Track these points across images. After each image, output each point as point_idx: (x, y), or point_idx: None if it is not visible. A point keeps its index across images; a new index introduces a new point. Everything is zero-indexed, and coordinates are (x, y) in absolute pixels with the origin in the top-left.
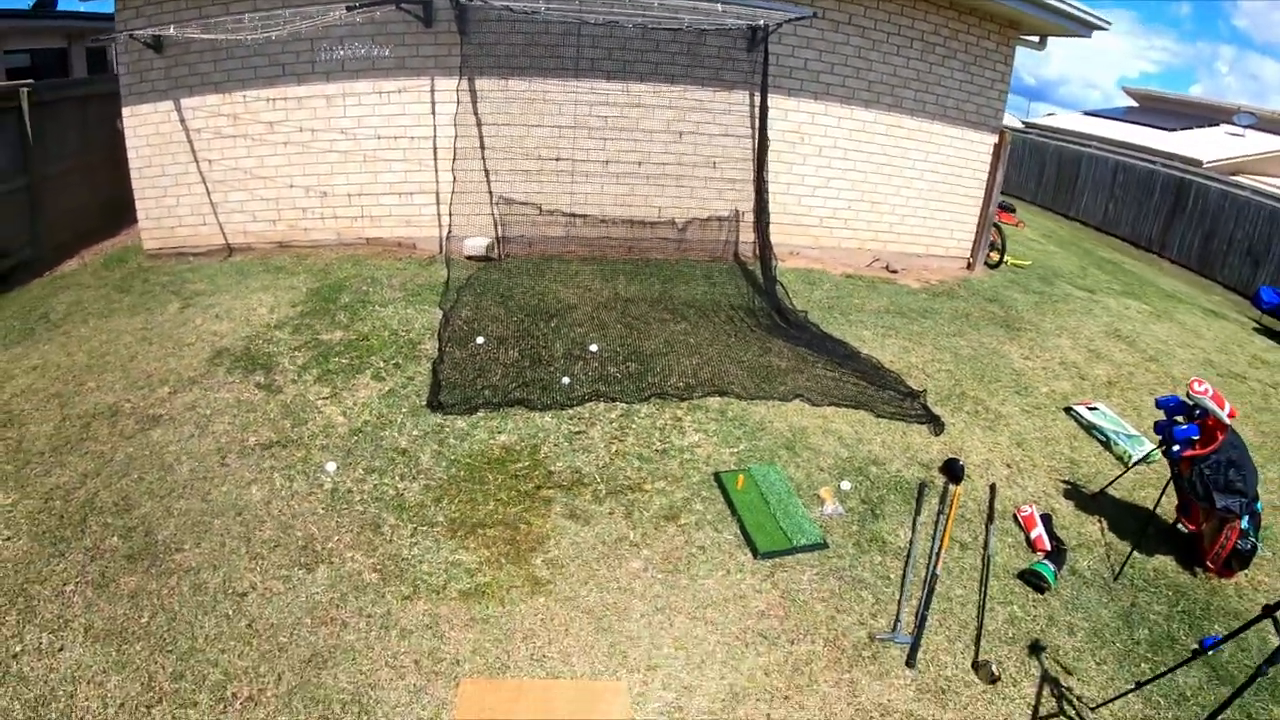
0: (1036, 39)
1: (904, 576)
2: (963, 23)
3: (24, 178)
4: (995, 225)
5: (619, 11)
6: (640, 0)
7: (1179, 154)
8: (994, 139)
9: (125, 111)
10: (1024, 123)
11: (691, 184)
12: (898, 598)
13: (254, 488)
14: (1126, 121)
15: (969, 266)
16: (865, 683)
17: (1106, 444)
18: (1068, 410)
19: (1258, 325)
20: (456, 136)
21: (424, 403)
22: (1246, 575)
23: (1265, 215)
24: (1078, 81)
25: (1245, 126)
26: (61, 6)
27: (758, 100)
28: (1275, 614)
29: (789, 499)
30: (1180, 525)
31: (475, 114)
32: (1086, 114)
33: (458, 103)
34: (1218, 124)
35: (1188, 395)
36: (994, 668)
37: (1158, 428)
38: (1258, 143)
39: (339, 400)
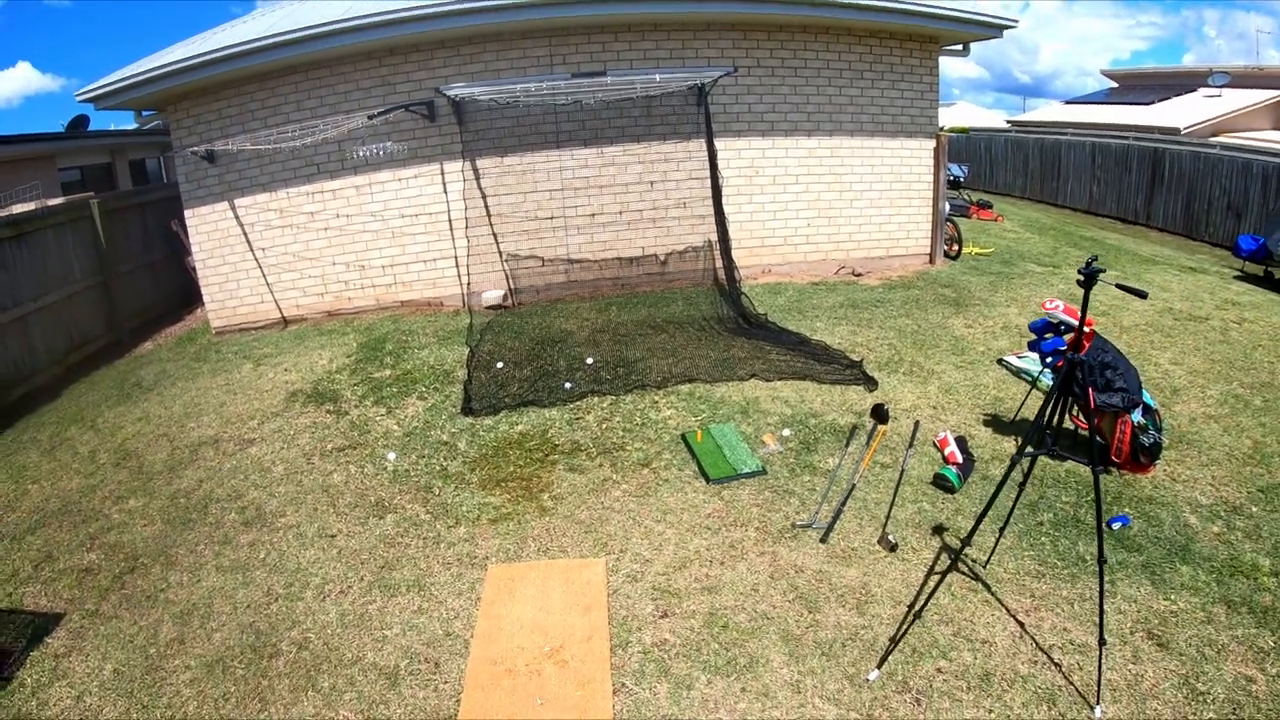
0: (959, 47)
1: (827, 486)
2: (885, 46)
3: (100, 275)
4: (950, 220)
5: (582, 91)
6: (598, 80)
7: (1158, 125)
8: (932, 143)
9: (187, 213)
10: (1008, 121)
11: (667, 224)
12: (820, 500)
13: (335, 474)
14: (1107, 104)
15: (930, 261)
16: (784, 554)
17: (1033, 383)
18: (1000, 361)
19: (1239, 273)
20: (467, 208)
21: (459, 410)
22: (1165, 469)
23: (1239, 168)
24: (1071, 72)
25: (1221, 86)
26: (95, 126)
27: (715, 145)
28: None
29: (738, 444)
30: (1076, 428)
31: (479, 188)
32: (1068, 103)
33: (464, 180)
34: (1195, 89)
35: (1046, 314)
36: (891, 538)
37: (1030, 347)
38: (1234, 100)
39: (393, 415)
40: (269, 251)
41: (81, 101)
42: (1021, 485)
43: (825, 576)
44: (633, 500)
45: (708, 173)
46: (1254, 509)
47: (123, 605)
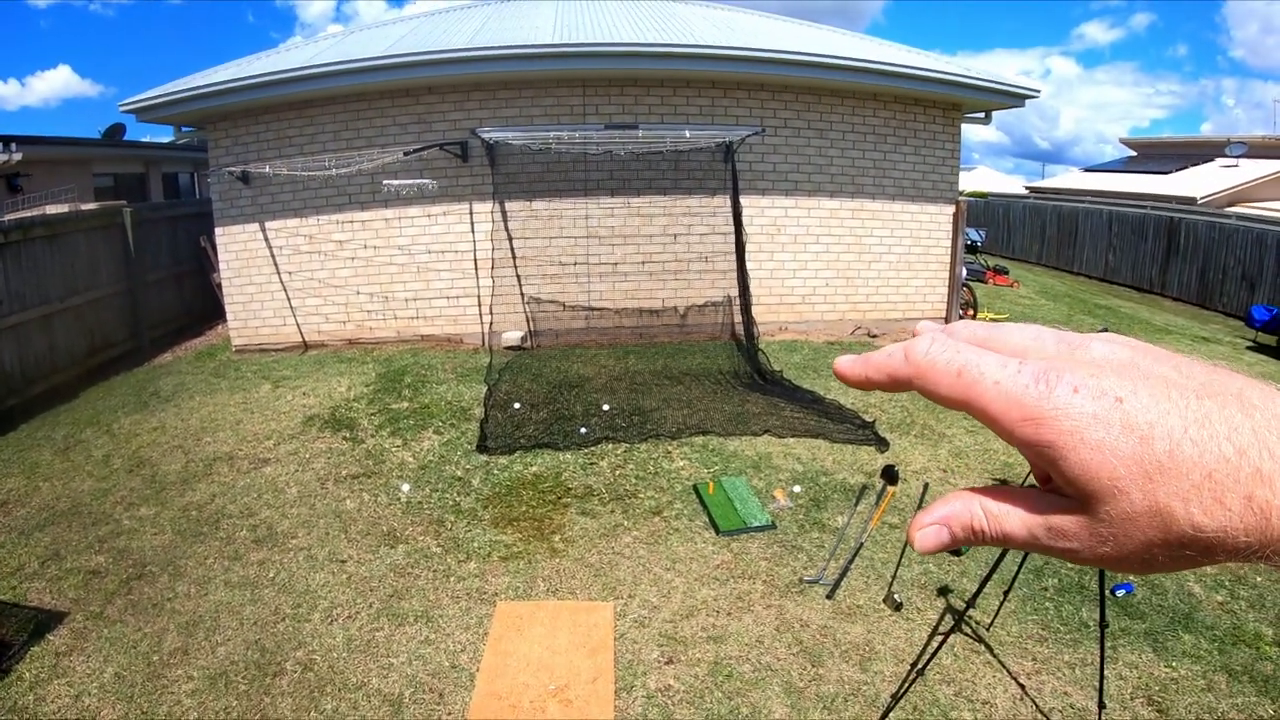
0: (982, 115)
1: (835, 543)
2: (909, 113)
3: (126, 283)
4: (966, 285)
5: (613, 142)
6: (629, 132)
7: (1175, 195)
8: (951, 209)
9: (218, 230)
10: (1027, 187)
11: (688, 277)
12: (827, 557)
13: (348, 500)
14: (1125, 172)
15: (945, 324)
16: (790, 607)
17: None
18: None
19: (1252, 344)
20: (494, 249)
21: (474, 447)
22: None
23: (1254, 238)
24: (1090, 138)
25: (1238, 156)
26: (131, 136)
27: (740, 202)
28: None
29: (749, 498)
30: None
31: (506, 230)
32: (1086, 170)
33: (491, 221)
34: (1212, 159)
35: None
36: (897, 597)
37: None
38: (1250, 170)
39: (409, 447)
40: (295, 275)
41: (124, 111)
42: (1026, 552)
43: (830, 632)
44: (643, 547)
45: (731, 228)
46: (1258, 579)
47: (128, 610)
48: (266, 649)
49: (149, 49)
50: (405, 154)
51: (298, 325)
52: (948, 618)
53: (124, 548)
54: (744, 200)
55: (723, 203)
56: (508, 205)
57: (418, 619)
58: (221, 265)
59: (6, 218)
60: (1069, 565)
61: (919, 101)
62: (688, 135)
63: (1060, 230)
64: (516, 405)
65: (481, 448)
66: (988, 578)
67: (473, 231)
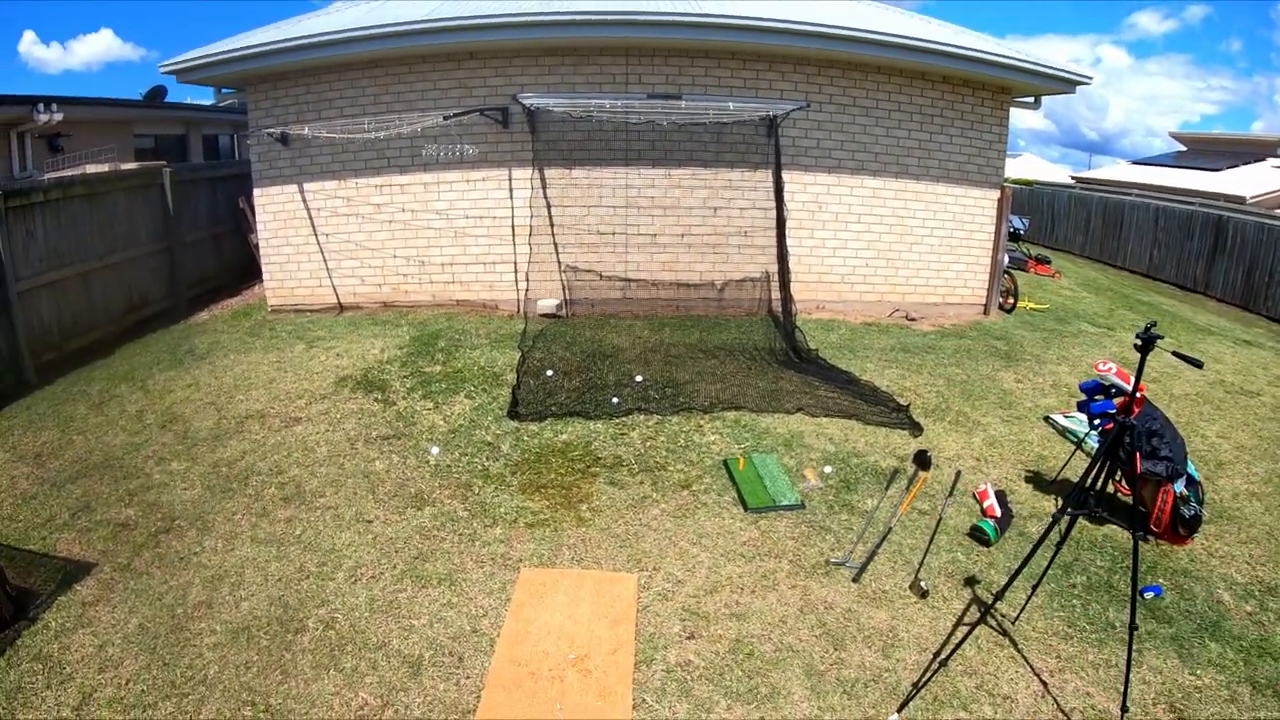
0: (1031, 99)
1: (864, 526)
2: (957, 94)
3: (164, 242)
4: (1008, 273)
5: (656, 112)
6: (672, 103)
7: (1223, 193)
8: (996, 194)
9: (256, 191)
10: (1073, 177)
11: (727, 251)
12: (855, 540)
13: (377, 461)
14: (1174, 167)
15: (985, 311)
16: (816, 589)
17: (1078, 444)
18: (1046, 419)
19: None
20: (532, 216)
21: (505, 413)
22: (1203, 543)
23: None
24: (1139, 131)
25: None
26: (172, 98)
27: (782, 177)
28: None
29: (779, 476)
30: (1117, 493)
31: (545, 197)
32: (1134, 163)
33: (530, 188)
34: (1263, 158)
35: (1098, 376)
36: (923, 584)
37: (1079, 407)
38: None
39: (440, 410)
40: (332, 238)
41: (164, 73)
42: (1059, 545)
43: (854, 616)
44: (670, 520)
45: (772, 203)
46: None
47: (155, 563)
48: (290, 605)
49: (191, 12)
50: (445, 118)
51: (333, 287)
52: (974, 608)
53: (154, 501)
54: (786, 176)
55: (764, 177)
56: (547, 172)
57: (441, 582)
58: (259, 226)
59: (47, 176)
60: (1099, 562)
61: (967, 83)
62: (731, 107)
63: (1105, 222)
64: (549, 373)
65: (513, 413)
66: (1018, 571)
67: (511, 198)
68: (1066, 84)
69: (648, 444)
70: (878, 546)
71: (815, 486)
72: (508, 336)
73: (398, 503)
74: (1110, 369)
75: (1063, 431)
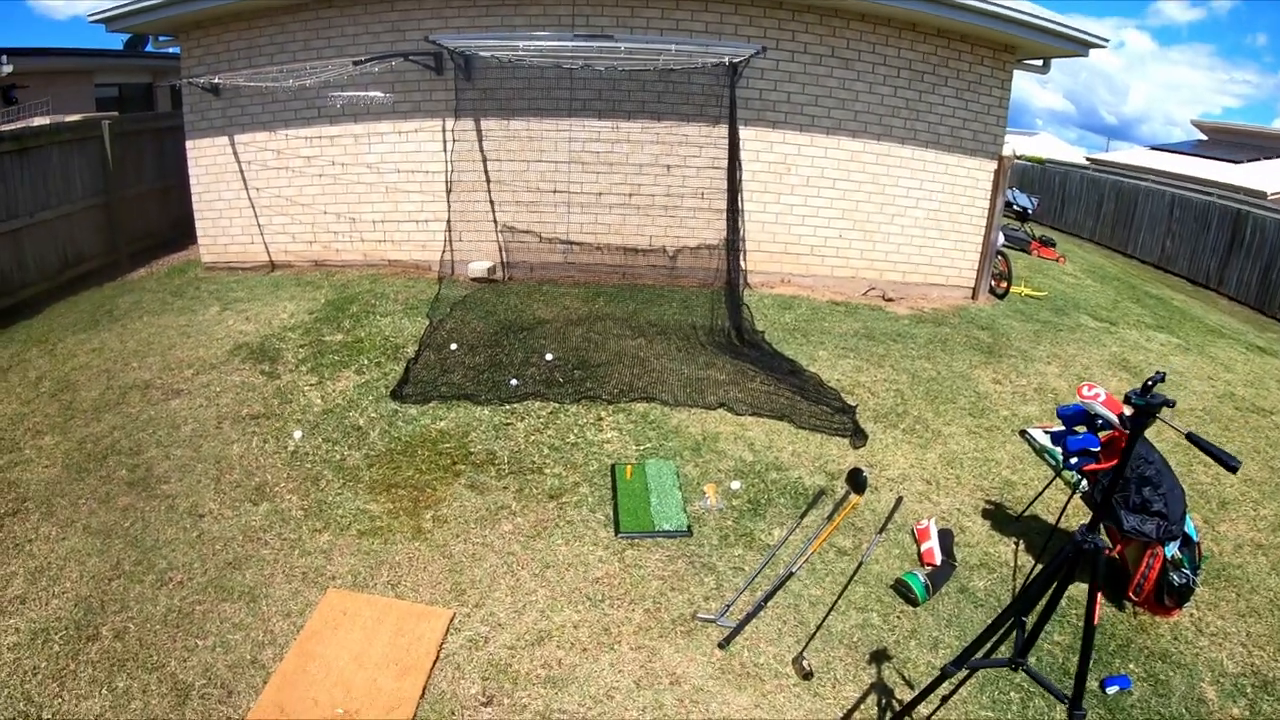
0: (1039, 62)
1: (758, 570)
2: (953, 49)
3: (103, 197)
4: (1001, 254)
5: (591, 55)
6: (606, 44)
7: (1244, 186)
8: (993, 165)
9: (188, 144)
10: (1088, 158)
11: (680, 214)
12: (741, 587)
13: (235, 445)
14: (1193, 155)
15: (973, 295)
16: (666, 654)
17: (1058, 471)
18: (1023, 433)
19: None
20: (455, 169)
21: (389, 393)
22: (1193, 613)
23: None
24: (1159, 118)
25: None
26: (150, 49)
27: (739, 133)
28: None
29: (670, 491)
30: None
31: (480, 150)
32: (1153, 148)
33: (460, 140)
34: None
35: (1081, 401)
36: (805, 663)
37: (1053, 439)
38: None
39: (322, 387)
40: (263, 192)
41: (93, 23)
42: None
43: (705, 698)
44: (519, 541)
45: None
46: None
47: None
48: (92, 608)
49: None
50: (355, 63)
51: (265, 244)
52: (870, 699)
53: (14, 480)
54: (752, 132)
55: (724, 133)
56: (484, 123)
57: (242, 596)
58: (191, 180)
59: None
60: (1056, 636)
61: (965, 38)
62: (673, 50)
63: (1118, 207)
64: (453, 346)
65: (396, 394)
66: (925, 692)
67: (445, 151)
68: (1079, 44)
69: (531, 439)
70: (768, 598)
71: (714, 508)
72: (426, 302)
73: (237, 495)
74: (1097, 395)
75: (1040, 451)
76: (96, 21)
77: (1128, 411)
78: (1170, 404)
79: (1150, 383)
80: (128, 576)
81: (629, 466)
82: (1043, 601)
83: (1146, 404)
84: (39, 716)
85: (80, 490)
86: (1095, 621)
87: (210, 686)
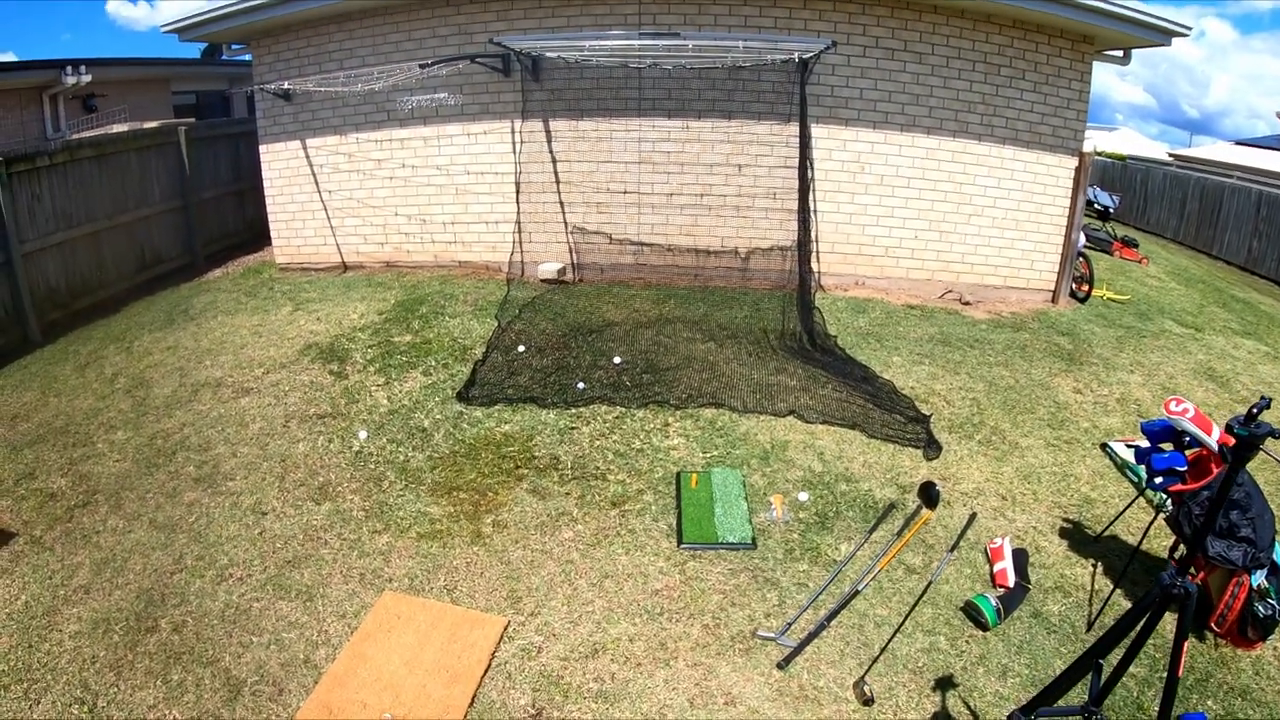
0: (1119, 53)
1: (823, 586)
2: (1029, 41)
3: (180, 200)
4: (1082, 255)
5: (658, 54)
6: (672, 42)
7: None
8: (1074, 162)
9: (262, 148)
10: (1170, 154)
11: (752, 215)
12: (804, 604)
13: (301, 444)
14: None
15: (1053, 299)
16: (723, 672)
17: (1140, 489)
18: (1104, 446)
19: None
20: (521, 171)
21: (455, 395)
22: (1275, 649)
23: None
24: (1242, 111)
25: None
26: (225, 57)
27: (810, 131)
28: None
29: (736, 501)
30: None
31: (550, 151)
32: (1238, 143)
33: (530, 141)
34: None
35: (1169, 417)
36: (867, 688)
37: (1137, 456)
38: None
39: (389, 387)
40: (335, 195)
41: (166, 33)
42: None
43: None
44: (578, 550)
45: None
46: None
47: (62, 539)
48: (153, 601)
49: None
50: (421, 66)
51: (337, 246)
52: None
53: (86, 472)
54: (824, 130)
55: (795, 131)
56: (552, 124)
57: (300, 595)
58: (265, 183)
59: (73, 136)
60: (1132, 670)
61: (1043, 28)
62: (741, 47)
63: (1202, 206)
64: (521, 348)
65: (462, 396)
66: (1040, 704)
67: (515, 152)
68: (1161, 34)
69: (595, 444)
70: (831, 617)
71: (780, 520)
72: (495, 303)
73: (300, 494)
74: (1186, 411)
75: (1122, 467)
76: (169, 32)
77: (1227, 440)
78: (1277, 435)
79: (1255, 410)
80: (189, 571)
81: (694, 475)
82: (1123, 645)
83: (1250, 434)
84: (95, 704)
85: (148, 485)
86: (1180, 674)
87: (262, 684)
